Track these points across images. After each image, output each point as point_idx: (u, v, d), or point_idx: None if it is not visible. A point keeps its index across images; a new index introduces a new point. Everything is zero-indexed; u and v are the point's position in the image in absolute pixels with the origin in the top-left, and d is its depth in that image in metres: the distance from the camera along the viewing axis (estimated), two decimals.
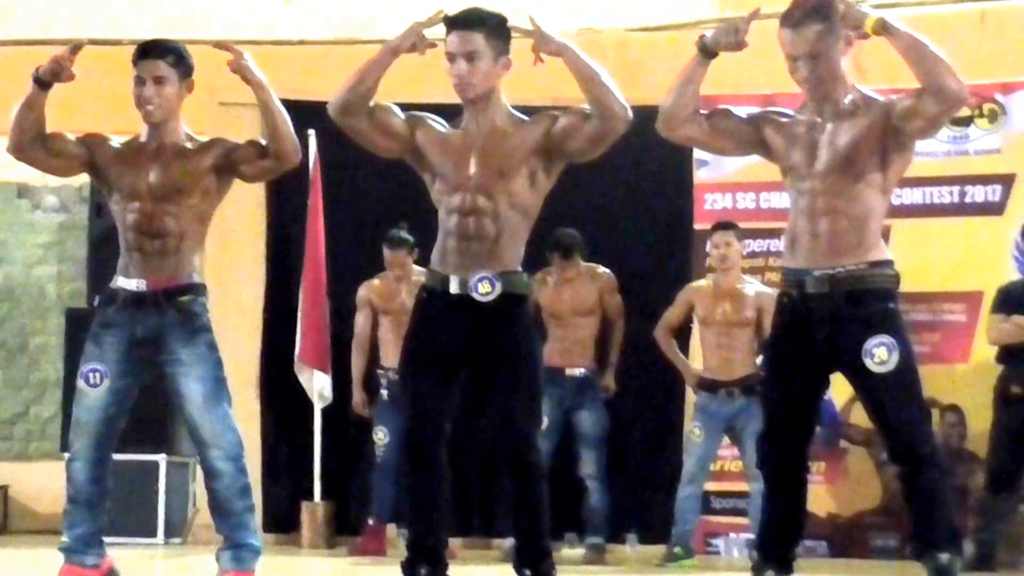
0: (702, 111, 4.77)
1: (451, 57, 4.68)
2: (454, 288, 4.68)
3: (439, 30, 4.72)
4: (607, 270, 8.29)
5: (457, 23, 4.69)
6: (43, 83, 4.89)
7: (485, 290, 4.64)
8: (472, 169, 4.69)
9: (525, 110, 4.82)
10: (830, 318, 4.59)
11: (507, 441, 4.68)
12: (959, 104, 4.61)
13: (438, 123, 4.81)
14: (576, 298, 8.20)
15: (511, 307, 4.70)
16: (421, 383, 4.72)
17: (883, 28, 4.50)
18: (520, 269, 4.74)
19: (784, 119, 4.77)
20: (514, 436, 4.66)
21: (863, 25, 4.52)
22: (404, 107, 4.83)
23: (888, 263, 4.66)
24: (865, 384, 4.64)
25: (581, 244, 8.23)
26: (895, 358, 4.52)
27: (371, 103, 4.73)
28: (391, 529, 8.26)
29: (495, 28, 4.69)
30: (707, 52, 4.69)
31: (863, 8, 4.57)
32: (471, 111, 4.75)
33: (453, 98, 4.81)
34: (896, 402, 4.58)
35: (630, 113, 4.62)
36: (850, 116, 4.62)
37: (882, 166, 4.61)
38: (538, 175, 4.72)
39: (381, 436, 8.17)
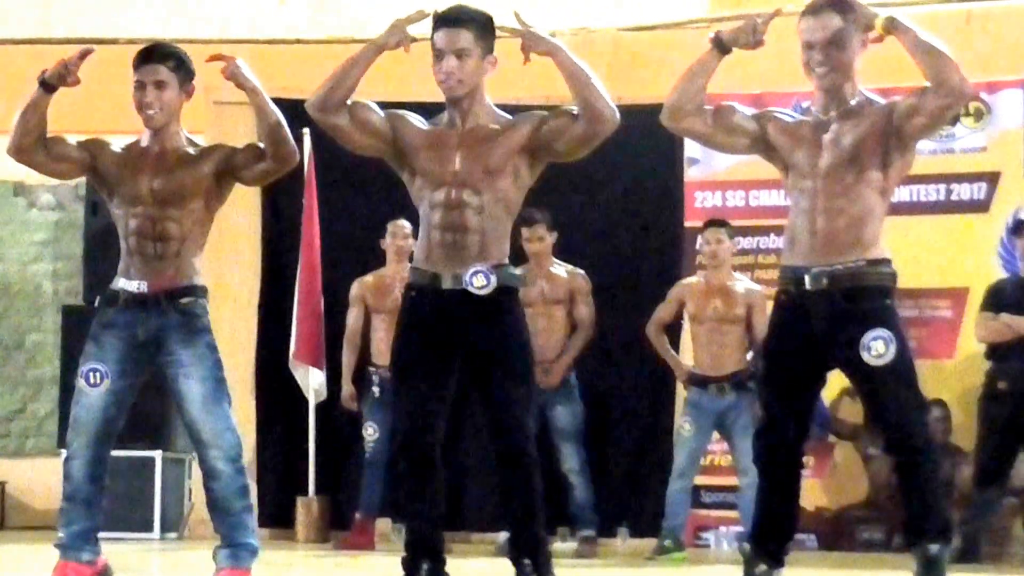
0: (707, 106, 4.80)
1: (439, 54, 4.65)
2: (447, 284, 4.65)
3: (423, 27, 4.70)
4: (583, 272, 8.22)
5: (446, 20, 4.67)
6: (48, 86, 4.85)
7: (480, 283, 4.61)
8: (457, 165, 4.65)
9: (512, 109, 4.81)
10: (828, 315, 4.63)
11: (503, 432, 4.67)
12: (961, 99, 4.69)
13: (418, 120, 4.78)
14: (549, 288, 8.15)
15: (505, 300, 4.68)
16: (415, 382, 4.68)
17: (892, 26, 4.58)
18: (508, 262, 4.73)
19: (789, 119, 4.81)
20: (510, 426, 4.64)
21: (874, 24, 4.60)
22: (383, 105, 4.79)
23: (886, 261, 4.70)
24: (862, 378, 4.69)
25: (548, 220, 8.09)
26: (892, 351, 4.57)
27: (349, 100, 4.69)
28: (385, 523, 8.32)
29: (483, 26, 4.68)
30: (722, 48, 4.73)
31: (872, 9, 4.66)
32: (455, 108, 4.71)
33: (433, 96, 4.79)
34: (892, 394, 4.63)
35: (618, 116, 4.61)
36: (856, 116, 4.67)
37: (883, 167, 4.66)
38: (522, 172, 4.70)
39: (371, 432, 8.19)
